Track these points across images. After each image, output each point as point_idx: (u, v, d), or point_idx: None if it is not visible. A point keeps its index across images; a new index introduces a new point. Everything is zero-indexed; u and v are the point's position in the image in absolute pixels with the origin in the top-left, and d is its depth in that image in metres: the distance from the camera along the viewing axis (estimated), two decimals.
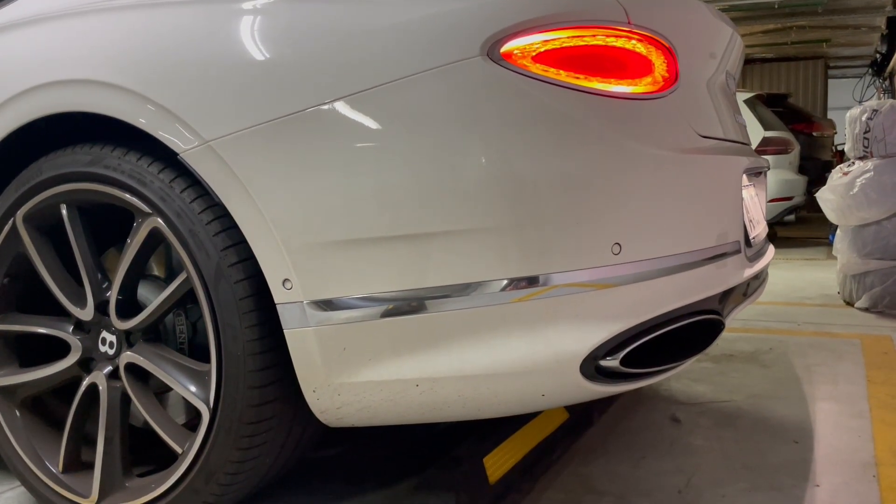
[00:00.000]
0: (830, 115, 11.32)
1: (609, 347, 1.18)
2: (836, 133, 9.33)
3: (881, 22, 9.45)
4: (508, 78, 1.16)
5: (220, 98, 1.24)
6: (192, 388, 1.34)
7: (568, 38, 1.21)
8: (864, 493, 1.55)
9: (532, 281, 1.15)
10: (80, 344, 1.45)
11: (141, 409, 1.40)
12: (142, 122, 1.28)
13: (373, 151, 1.17)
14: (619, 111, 1.23)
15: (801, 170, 7.24)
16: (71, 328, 1.47)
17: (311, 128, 1.19)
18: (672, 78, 1.33)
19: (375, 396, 1.24)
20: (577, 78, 1.20)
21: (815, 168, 8.58)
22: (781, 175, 6.49)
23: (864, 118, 3.48)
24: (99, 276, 1.43)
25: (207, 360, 1.33)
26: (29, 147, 1.47)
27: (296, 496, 1.56)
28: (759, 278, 1.68)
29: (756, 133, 6.46)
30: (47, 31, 1.43)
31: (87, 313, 1.44)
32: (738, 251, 1.47)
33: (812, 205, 6.24)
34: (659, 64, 1.31)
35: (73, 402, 1.45)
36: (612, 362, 1.19)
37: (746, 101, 6.66)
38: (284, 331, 1.24)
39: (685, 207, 1.29)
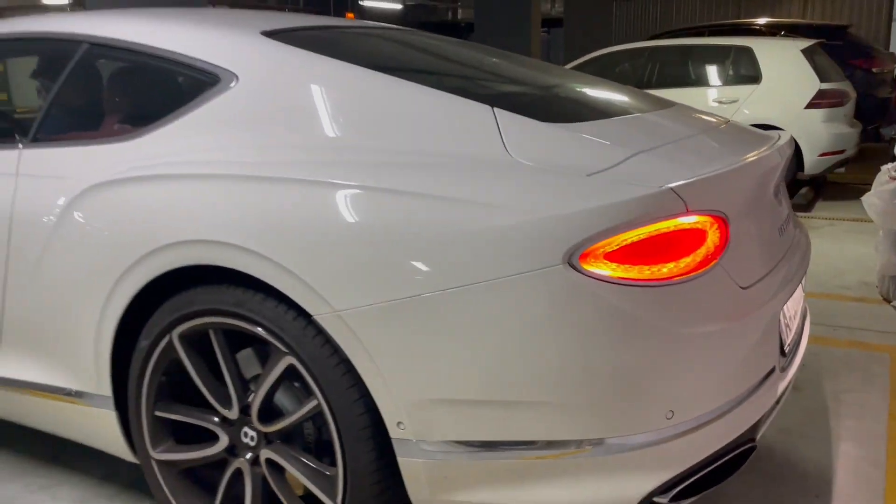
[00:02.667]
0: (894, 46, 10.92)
1: (661, 490, 1.49)
2: None
3: None
4: (582, 281, 1.42)
5: (348, 278, 1.51)
6: (318, 488, 1.69)
7: (637, 236, 1.44)
8: None
9: (599, 442, 1.45)
10: (226, 435, 1.81)
11: (279, 494, 1.76)
12: (284, 287, 1.57)
13: (469, 336, 1.45)
14: (673, 295, 1.47)
15: (858, 108, 7.18)
16: (217, 419, 1.82)
17: (420, 311, 1.47)
18: (723, 243, 1.56)
19: None
20: (640, 270, 1.45)
21: (873, 107, 8.45)
22: (835, 128, 6.47)
23: None
24: (241, 385, 1.76)
25: (332, 461, 1.67)
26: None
27: None
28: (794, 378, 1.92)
29: (811, 86, 6.40)
30: (209, 188, 1.70)
31: (232, 413, 1.78)
32: (773, 371, 1.73)
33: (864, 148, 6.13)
34: (712, 234, 1.54)
35: (224, 478, 1.82)
36: (661, 499, 1.50)
37: (804, 51, 6.56)
38: (398, 458, 1.57)
39: (729, 368, 1.55)
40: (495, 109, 1.67)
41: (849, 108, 6.74)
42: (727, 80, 6.81)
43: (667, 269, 1.48)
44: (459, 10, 19.36)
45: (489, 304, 1.44)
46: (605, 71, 7.26)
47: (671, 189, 1.47)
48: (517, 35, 10.05)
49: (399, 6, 16.30)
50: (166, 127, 1.88)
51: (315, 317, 1.56)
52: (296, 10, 17.52)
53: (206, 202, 1.69)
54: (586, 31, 12.84)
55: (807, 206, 6.39)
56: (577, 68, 7.40)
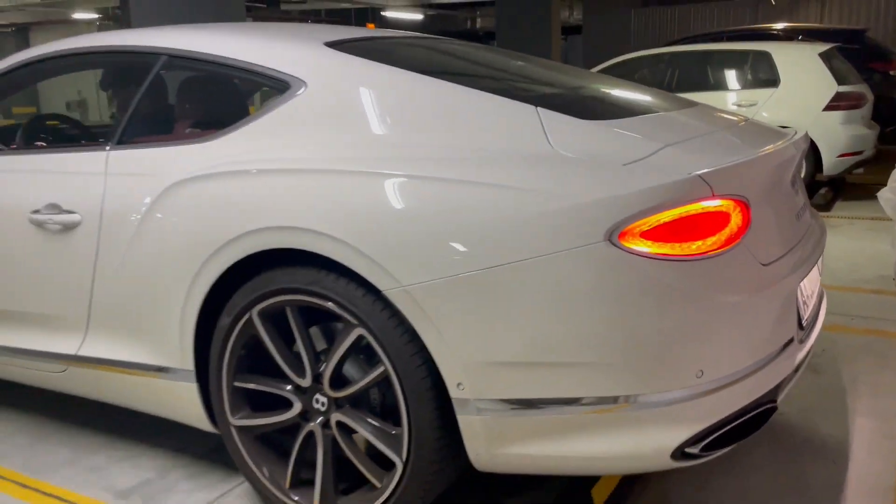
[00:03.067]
0: None
1: (692, 441, 1.68)
2: None
3: None
4: (622, 256, 1.62)
5: (414, 257, 1.73)
6: (385, 445, 1.90)
7: (674, 217, 1.64)
8: None
9: (637, 398, 1.65)
10: (299, 402, 2.02)
11: (348, 452, 1.97)
12: (357, 266, 1.79)
13: (522, 305, 1.66)
14: (701, 269, 1.67)
15: (875, 111, 7.31)
16: (290, 388, 2.04)
17: (478, 284, 1.68)
18: (745, 225, 1.75)
19: (519, 461, 1.78)
20: (672, 247, 1.65)
21: (890, 109, 8.56)
22: (852, 130, 6.61)
23: None
24: (314, 356, 1.98)
25: (396, 422, 1.88)
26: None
27: None
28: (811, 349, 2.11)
29: (829, 88, 6.55)
30: (286, 181, 1.92)
31: (305, 382, 2.00)
32: (792, 342, 1.91)
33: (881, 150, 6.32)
34: (735, 216, 1.73)
35: (296, 441, 2.04)
36: (692, 450, 1.69)
37: (822, 55, 6.71)
38: (457, 416, 1.77)
39: (751, 334, 1.74)
40: (539, 109, 1.88)
41: (866, 110, 6.87)
42: (746, 84, 6.98)
43: (695, 246, 1.67)
44: (478, 20, 19.62)
45: (539, 276, 1.65)
46: (626, 76, 7.45)
47: (699, 176, 1.67)
48: (538, 42, 10.26)
49: (420, 16, 16.57)
50: (243, 129, 2.11)
51: (384, 292, 1.77)
52: (318, 21, 17.90)
53: (283, 193, 1.91)
54: (605, 39, 13.03)
55: (826, 206, 6.53)
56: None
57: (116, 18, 17.26)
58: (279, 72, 2.13)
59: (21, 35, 20.63)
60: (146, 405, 2.34)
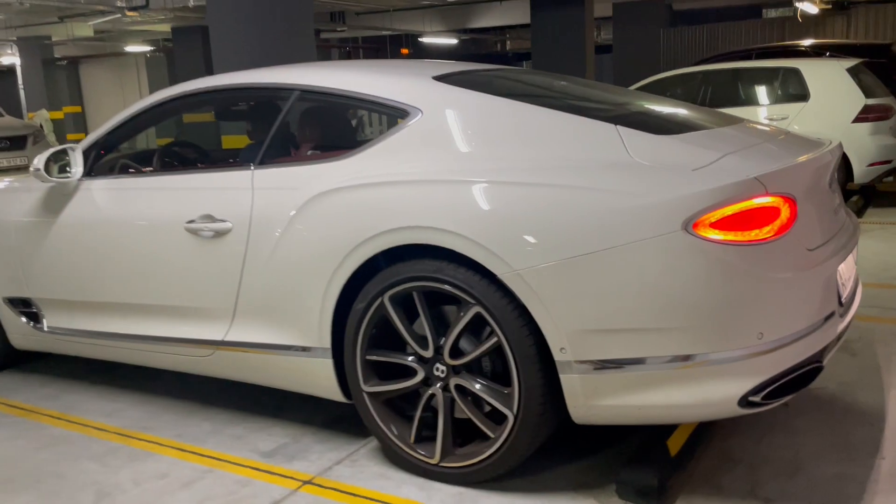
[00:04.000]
0: None
1: (755, 392, 2.09)
2: None
3: None
4: (695, 242, 2.04)
5: (524, 246, 2.16)
6: (499, 402, 2.32)
7: (736, 211, 2.06)
8: None
9: (709, 356, 2.06)
10: (422, 370, 2.46)
11: (465, 410, 2.40)
12: (476, 256, 2.23)
13: (615, 281, 2.09)
14: (759, 252, 2.08)
15: None
16: (411, 359, 2.48)
17: (577, 266, 2.11)
18: (793, 218, 2.16)
19: (610, 412, 2.20)
20: (735, 234, 2.07)
21: None
22: (881, 140, 6.95)
23: None
24: (436, 331, 2.42)
25: (505, 383, 2.31)
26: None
27: (539, 461, 2.55)
28: (850, 324, 2.50)
29: (857, 102, 6.91)
30: (412, 189, 2.37)
31: (428, 353, 2.43)
32: (834, 314, 2.31)
33: None
34: (786, 211, 2.15)
35: (420, 403, 2.47)
36: (755, 398, 2.10)
37: (849, 70, 7.07)
38: (560, 375, 2.20)
39: (800, 305, 2.15)
40: (618, 127, 2.32)
41: (894, 121, 7.21)
42: (777, 99, 7.36)
43: (753, 234, 2.09)
44: (507, 42, 20.17)
45: (627, 259, 2.08)
46: (661, 93, 7.85)
47: (755, 178, 2.09)
48: (572, 62, 10.72)
49: (455, 41, 17.15)
50: (370, 149, 2.57)
51: (499, 276, 2.21)
52: (356, 46, 18.58)
53: (410, 199, 2.36)
54: (635, 57, 13.46)
55: (858, 213, 6.86)
56: None
57: (168, 51, 18.09)
58: (399, 102, 2.60)
59: (72, 68, 21.58)
60: (285, 381, 2.79)
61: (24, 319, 3.48)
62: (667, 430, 2.51)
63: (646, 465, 2.33)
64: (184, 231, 2.84)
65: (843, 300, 2.42)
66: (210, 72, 14.57)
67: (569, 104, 2.70)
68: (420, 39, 16.48)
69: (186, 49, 14.72)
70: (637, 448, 2.47)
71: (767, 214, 2.12)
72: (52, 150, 3.15)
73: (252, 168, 2.79)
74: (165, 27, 14.81)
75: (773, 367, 2.11)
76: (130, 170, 3.39)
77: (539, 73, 3.19)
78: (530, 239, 2.17)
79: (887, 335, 3.59)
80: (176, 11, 11.18)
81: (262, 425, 3.00)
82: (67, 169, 3.18)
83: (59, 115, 17.14)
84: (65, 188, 3.21)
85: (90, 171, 3.22)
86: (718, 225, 2.07)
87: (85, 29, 15.63)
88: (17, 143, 11.13)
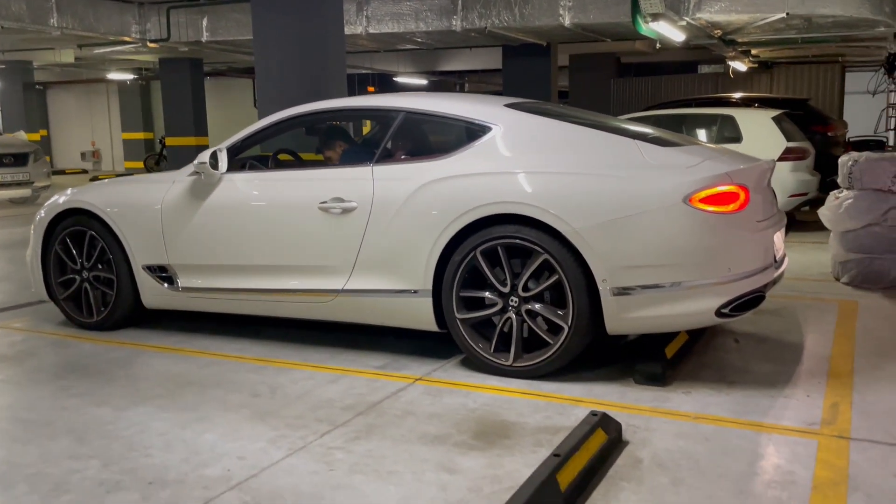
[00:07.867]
0: (848, 99, 13.19)
1: (725, 306, 3.32)
2: (847, 132, 11.21)
3: (891, 45, 11.28)
4: (690, 210, 3.28)
5: (579, 212, 3.36)
6: (557, 319, 3.48)
7: (714, 192, 3.31)
8: (820, 366, 3.67)
9: (699, 282, 3.29)
10: (501, 301, 3.60)
11: (533, 326, 3.55)
12: (547, 220, 3.41)
13: (642, 233, 3.30)
14: (730, 219, 3.33)
15: (817, 165, 9.22)
16: (488, 293, 3.62)
17: (615, 225, 3.32)
18: (747, 200, 3.43)
19: (633, 323, 3.40)
20: (715, 207, 3.31)
21: (829, 163, 10.53)
22: (800, 176, 8.47)
23: (849, 164, 5.52)
24: (513, 274, 3.57)
25: (562, 307, 3.48)
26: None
27: (578, 367, 3.71)
28: (782, 276, 3.77)
29: (779, 144, 8.44)
30: (495, 177, 3.55)
31: (506, 289, 3.58)
32: (772, 265, 3.58)
33: (822, 197, 8.26)
34: (742, 195, 3.41)
35: (499, 324, 3.60)
36: (725, 310, 3.33)
37: (774, 118, 8.62)
38: (602, 298, 3.39)
39: (753, 254, 3.42)
40: (636, 141, 3.56)
41: (809, 161, 8.77)
42: (715, 140, 8.84)
43: (724, 208, 3.34)
44: (466, 85, 21.70)
45: (648, 220, 3.30)
46: None
47: (725, 173, 3.36)
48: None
49: (425, 81, 18.57)
50: (460, 153, 3.74)
51: (563, 233, 3.39)
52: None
53: (498, 184, 3.54)
54: (590, 103, 15.05)
55: None
56: None
57: (148, 80, 18.81)
58: (482, 121, 3.79)
59: (39, 92, 21.97)
60: (391, 318, 3.88)
61: (159, 282, 4.45)
62: (664, 341, 3.72)
63: (653, 361, 3.52)
64: (317, 209, 3.93)
65: (777, 259, 3.70)
66: (197, 100, 15.41)
67: (601, 126, 3.94)
68: (394, 79, 17.85)
69: (174, 79, 15.59)
70: (645, 354, 3.66)
71: (732, 196, 3.38)
72: (209, 151, 4.19)
73: (371, 165, 3.92)
74: (151, 57, 15.65)
75: (737, 290, 3.36)
76: (257, 167, 4.46)
77: (574, 108, 4.45)
78: (583, 208, 3.37)
79: (803, 307, 4.92)
80: (180, 43, 12.13)
81: (366, 353, 4.06)
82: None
83: (35, 136, 17.64)
84: (210, 179, 4.25)
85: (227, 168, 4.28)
86: (704, 201, 3.31)
87: (67, 55, 16.29)
88: (20, 159, 11.82)
